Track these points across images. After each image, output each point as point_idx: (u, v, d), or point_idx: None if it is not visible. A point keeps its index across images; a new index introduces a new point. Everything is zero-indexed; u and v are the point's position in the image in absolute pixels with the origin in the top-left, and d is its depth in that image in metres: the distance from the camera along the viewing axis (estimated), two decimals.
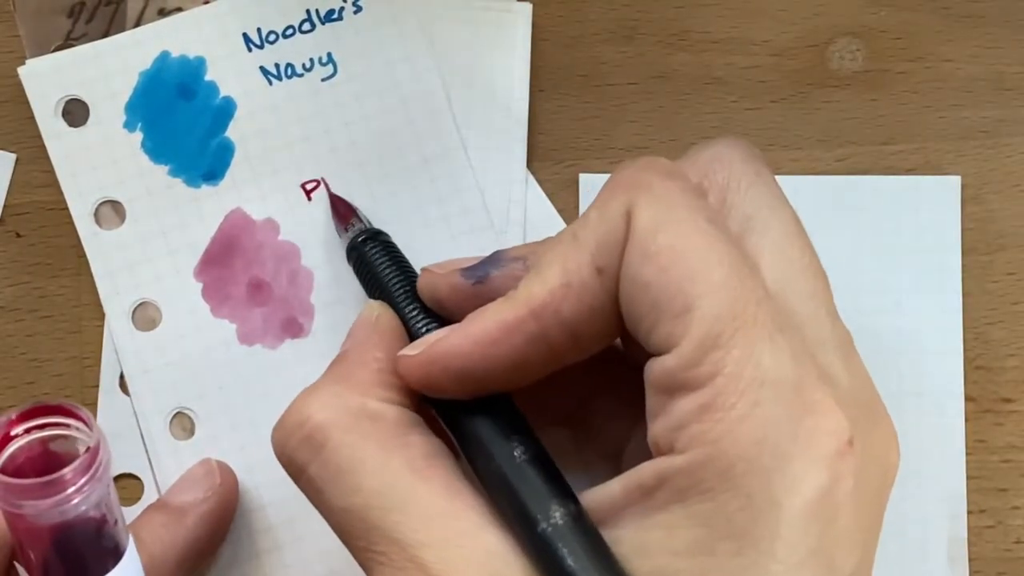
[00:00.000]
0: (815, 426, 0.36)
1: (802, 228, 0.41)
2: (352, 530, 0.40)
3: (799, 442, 0.36)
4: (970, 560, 0.53)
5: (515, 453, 0.40)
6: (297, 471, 0.42)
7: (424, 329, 0.45)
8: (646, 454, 0.39)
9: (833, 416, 0.37)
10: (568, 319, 0.39)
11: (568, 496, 0.39)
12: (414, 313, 0.45)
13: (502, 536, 0.39)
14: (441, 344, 0.41)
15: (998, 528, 0.54)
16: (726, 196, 0.41)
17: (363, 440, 0.41)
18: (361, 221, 0.52)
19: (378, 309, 0.46)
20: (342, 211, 0.52)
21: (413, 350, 0.42)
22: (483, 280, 0.43)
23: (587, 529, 0.38)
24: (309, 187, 0.54)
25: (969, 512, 0.54)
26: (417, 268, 0.47)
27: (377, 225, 0.52)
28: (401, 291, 0.46)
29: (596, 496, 0.39)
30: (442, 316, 0.45)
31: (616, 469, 0.43)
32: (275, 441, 0.42)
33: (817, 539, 0.36)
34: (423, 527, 0.39)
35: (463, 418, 0.41)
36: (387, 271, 0.48)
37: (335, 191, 0.53)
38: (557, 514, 0.38)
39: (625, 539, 0.38)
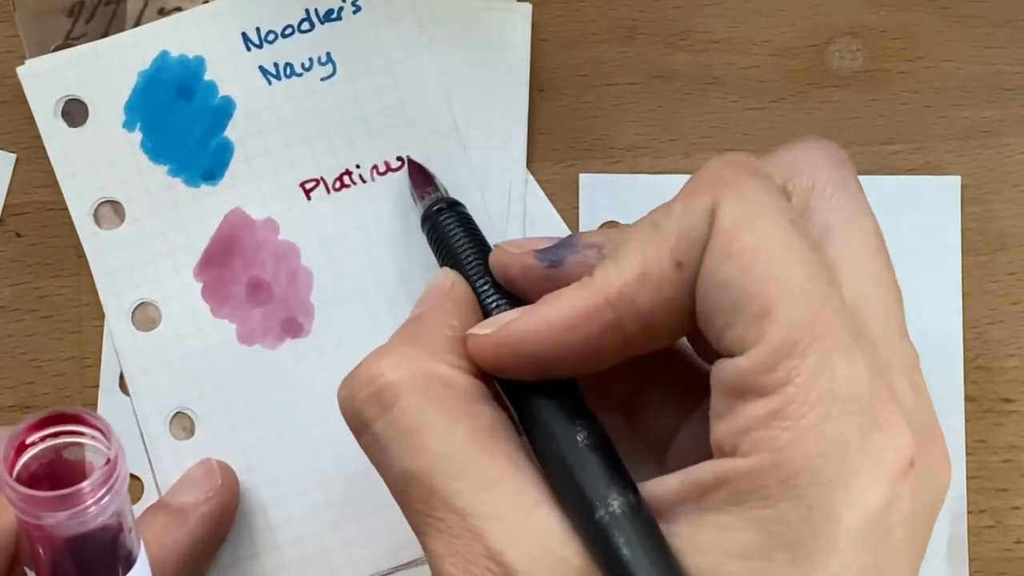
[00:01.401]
0: (882, 443, 0.36)
1: (883, 242, 0.41)
2: (412, 492, 0.40)
3: (865, 458, 0.36)
4: (970, 560, 0.53)
5: (578, 438, 0.40)
6: (361, 426, 0.41)
7: (494, 305, 0.45)
8: (694, 448, 0.39)
9: (900, 435, 0.36)
10: (643, 310, 0.39)
11: (628, 486, 0.39)
12: (485, 287, 0.45)
13: (560, 515, 0.39)
14: (514, 326, 0.41)
15: (998, 528, 0.54)
16: (809, 201, 0.40)
17: (432, 403, 0.40)
18: (439, 190, 0.51)
19: (453, 276, 0.46)
20: (420, 179, 0.52)
21: (485, 329, 0.42)
22: (557, 264, 0.43)
23: (645, 520, 0.38)
24: (308, 187, 0.54)
25: (969, 512, 0.54)
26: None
27: (376, 225, 0.52)
28: (474, 263, 0.46)
29: (652, 489, 0.39)
30: (513, 294, 0.45)
31: (661, 459, 0.43)
32: (342, 395, 0.42)
33: (872, 556, 0.36)
34: (484, 497, 0.39)
35: (529, 399, 0.41)
36: (460, 242, 0.48)
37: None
38: (616, 503, 0.38)
39: (678, 535, 0.38)
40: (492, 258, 0.45)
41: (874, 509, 0.36)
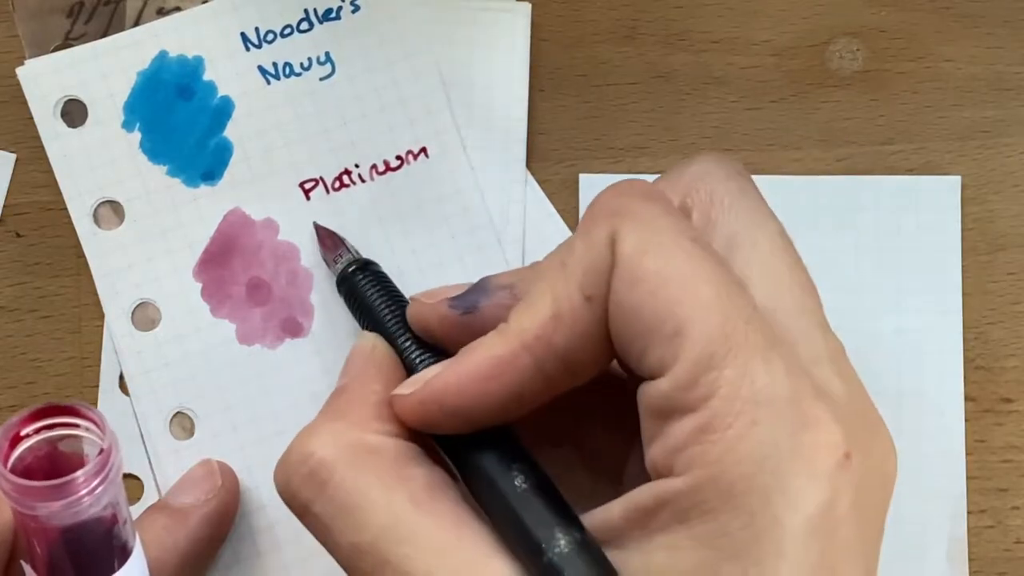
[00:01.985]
0: (812, 441, 0.36)
1: (789, 242, 0.41)
2: (362, 566, 0.40)
3: (797, 458, 0.36)
4: (970, 560, 0.53)
5: (516, 482, 0.40)
6: (302, 508, 0.41)
7: (419, 360, 0.45)
8: (646, 473, 0.39)
9: (830, 430, 0.36)
10: (561, 349, 0.39)
11: (572, 522, 0.39)
12: (407, 344, 0.45)
13: (510, 564, 0.39)
14: (435, 382, 0.41)
15: (998, 528, 0.54)
16: (710, 213, 0.41)
17: (366, 475, 0.40)
18: (350, 251, 0.52)
19: (372, 340, 0.46)
20: (329, 242, 0.52)
21: (407, 389, 0.42)
22: (472, 310, 0.43)
23: (594, 555, 0.38)
24: (308, 187, 0.54)
25: (969, 512, 0.54)
26: (407, 293, 0.47)
27: (376, 225, 0.52)
28: (394, 321, 0.46)
29: (597, 519, 0.39)
30: (435, 347, 0.45)
31: (618, 486, 0.43)
32: (278, 479, 0.42)
33: (820, 555, 0.36)
34: (432, 559, 0.39)
35: (462, 450, 0.41)
36: (378, 302, 0.48)
37: (320, 223, 0.53)
38: (562, 541, 0.38)
39: (629, 561, 0.38)
40: (409, 312, 0.46)
41: (815, 507, 0.36)
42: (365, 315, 0.48)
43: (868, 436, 0.38)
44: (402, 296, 0.48)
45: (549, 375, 0.40)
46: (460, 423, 0.41)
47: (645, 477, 0.38)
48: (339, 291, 0.51)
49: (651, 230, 0.38)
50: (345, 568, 0.41)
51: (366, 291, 0.49)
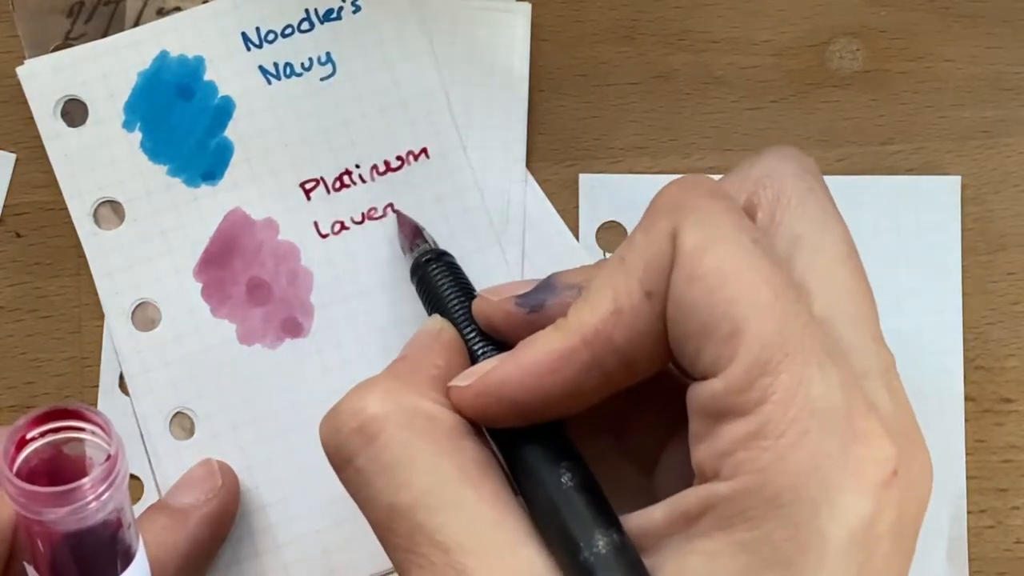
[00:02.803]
0: (863, 456, 0.36)
1: (853, 248, 0.40)
2: (395, 528, 0.39)
3: (847, 473, 0.36)
4: (970, 560, 0.53)
5: (562, 479, 0.40)
6: (343, 461, 0.41)
7: (481, 352, 0.45)
8: (681, 467, 0.38)
9: (881, 446, 0.36)
10: (620, 345, 0.39)
11: (613, 525, 0.38)
12: (472, 335, 0.45)
13: (544, 554, 0.39)
14: (492, 375, 0.40)
15: (998, 528, 0.54)
16: (775, 213, 0.40)
17: (417, 438, 0.40)
18: (427, 241, 0.52)
19: (441, 323, 0.46)
20: (408, 231, 0.52)
21: (464, 380, 0.41)
22: (538, 308, 0.43)
23: (630, 559, 0.38)
24: (308, 187, 0.54)
25: (969, 512, 0.54)
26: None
27: (377, 223, 0.52)
28: (460, 312, 0.46)
29: (637, 521, 0.38)
30: (498, 340, 0.45)
31: (648, 477, 0.43)
32: (324, 429, 0.42)
33: (859, 569, 0.36)
34: (468, 533, 0.38)
35: (513, 440, 0.41)
36: (448, 291, 0.48)
37: (402, 211, 0.54)
38: (600, 543, 0.38)
39: (665, 566, 0.37)
40: (475, 306, 0.45)
41: (859, 522, 0.36)
42: (434, 303, 0.48)
43: (912, 453, 0.38)
44: (472, 288, 0.48)
45: (607, 371, 0.39)
46: (515, 416, 0.40)
47: (679, 471, 0.39)
48: (412, 278, 0.50)
49: (713, 227, 0.38)
50: (376, 528, 0.40)
51: (437, 280, 0.49)
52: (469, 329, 0.45)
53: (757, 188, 0.41)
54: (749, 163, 0.42)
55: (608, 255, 0.55)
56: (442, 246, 0.53)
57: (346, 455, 0.41)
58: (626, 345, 0.39)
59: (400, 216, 0.53)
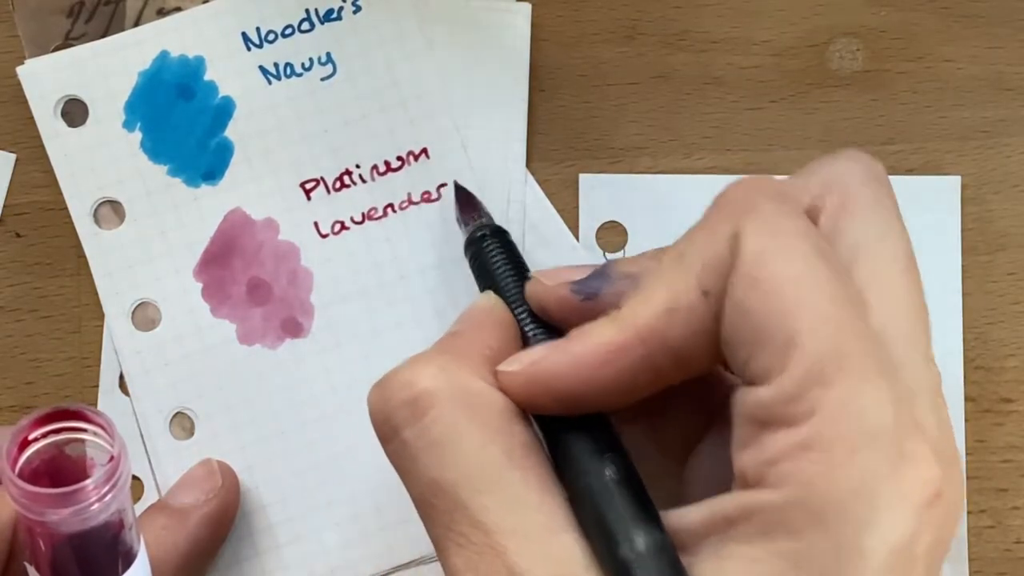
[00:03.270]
0: (911, 476, 0.36)
1: (913, 262, 0.40)
2: (436, 504, 0.39)
3: (894, 493, 0.35)
4: (970, 560, 0.53)
5: (606, 472, 0.39)
6: (391, 432, 0.40)
7: (532, 334, 0.44)
8: (715, 462, 0.38)
9: (928, 467, 0.36)
10: (673, 343, 0.39)
11: (654, 522, 0.38)
12: (523, 315, 0.45)
13: (581, 544, 0.38)
14: (543, 364, 0.40)
15: (998, 528, 0.54)
16: (839, 220, 0.40)
17: (466, 416, 0.40)
18: (483, 216, 0.51)
19: (494, 300, 0.46)
20: (467, 205, 0.52)
21: (514, 365, 0.41)
22: (592, 296, 0.43)
23: (669, 558, 0.38)
24: (308, 187, 0.54)
25: (969, 512, 0.54)
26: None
27: (376, 223, 0.52)
28: (514, 290, 0.46)
29: (677, 520, 0.38)
30: (550, 324, 0.44)
31: (680, 466, 0.43)
32: (374, 398, 0.41)
33: None
34: (510, 515, 0.38)
35: (559, 431, 0.41)
36: (502, 269, 0.47)
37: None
38: (640, 540, 0.38)
39: (702, 568, 0.37)
40: (528, 289, 0.45)
41: (900, 543, 0.35)
42: (487, 279, 0.48)
43: (953, 476, 0.37)
44: (526, 267, 0.48)
45: (659, 367, 0.39)
46: (563, 406, 0.40)
47: (712, 466, 0.39)
48: (466, 253, 0.50)
49: (775, 232, 0.37)
50: (417, 503, 0.40)
51: (492, 256, 0.48)
52: (521, 310, 0.45)
53: (823, 192, 0.40)
54: (818, 164, 0.41)
55: (607, 256, 0.55)
56: (442, 247, 0.53)
57: (394, 426, 0.40)
58: (679, 343, 0.39)
59: (458, 188, 0.53)
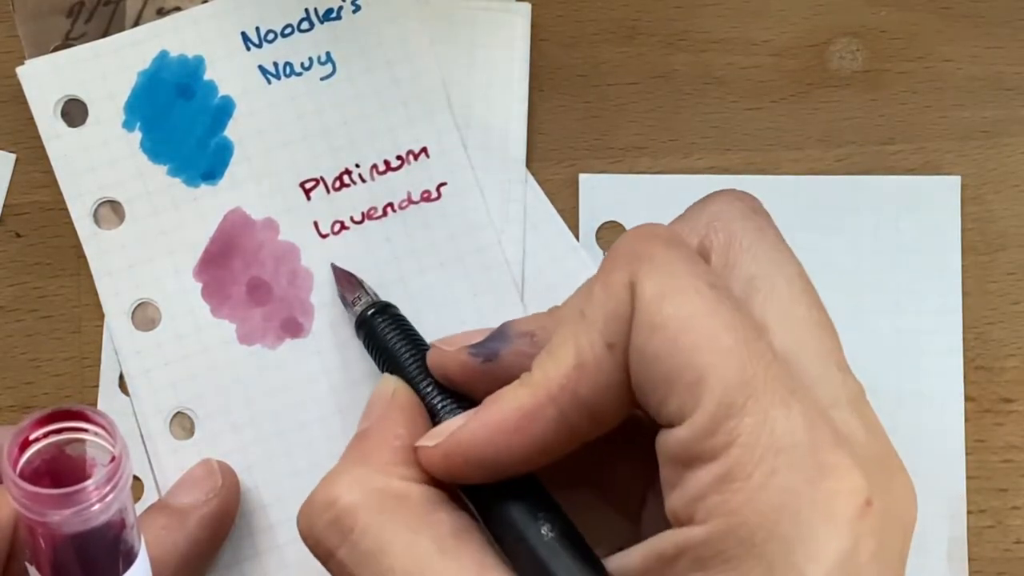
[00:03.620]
0: (833, 489, 0.36)
1: (808, 283, 0.41)
2: None
3: (818, 507, 0.36)
4: (970, 560, 0.53)
5: (543, 531, 0.40)
6: (326, 554, 0.41)
7: (440, 406, 0.45)
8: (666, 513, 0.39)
9: (850, 477, 0.36)
10: (585, 399, 0.39)
11: (598, 570, 0.39)
12: (429, 389, 0.46)
13: None
14: (460, 435, 0.41)
15: (998, 528, 0.54)
16: (728, 255, 0.41)
17: (391, 521, 0.40)
18: (368, 294, 0.51)
19: (393, 383, 0.46)
20: (347, 284, 0.52)
21: (431, 440, 0.42)
22: (492, 358, 0.43)
23: None
24: (308, 186, 0.54)
25: (969, 512, 0.54)
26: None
27: (376, 223, 0.52)
28: (415, 366, 0.47)
29: (616, 564, 0.39)
30: (457, 392, 0.45)
31: (636, 524, 0.43)
32: (302, 524, 0.42)
33: None
34: None
35: (488, 498, 0.41)
36: (399, 345, 0.48)
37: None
38: None
39: None
40: (429, 358, 0.46)
41: (837, 556, 0.36)
42: (385, 359, 0.48)
43: (888, 481, 0.38)
44: (422, 340, 0.48)
45: (574, 424, 0.40)
46: (486, 474, 0.41)
47: (663, 516, 0.38)
48: (358, 334, 0.51)
49: (670, 275, 0.38)
50: None
51: (385, 334, 0.49)
52: (425, 383, 0.46)
53: (708, 232, 0.41)
54: (698, 207, 0.42)
55: (605, 254, 0.55)
56: (443, 246, 0.53)
57: (326, 549, 0.41)
58: (591, 398, 0.39)
59: (337, 270, 0.53)
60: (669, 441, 0.37)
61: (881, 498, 0.37)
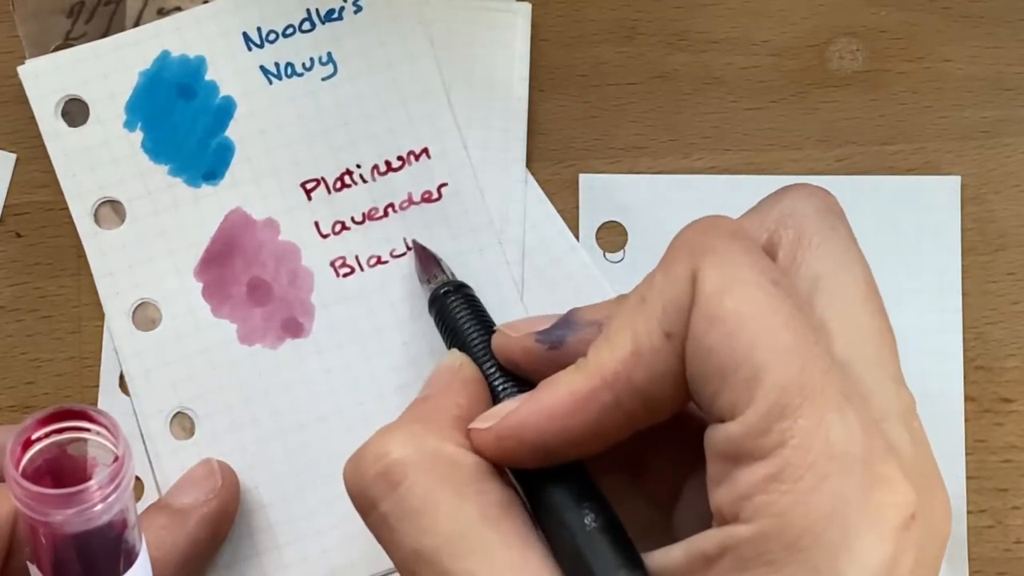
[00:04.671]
0: (882, 500, 0.36)
1: (875, 288, 0.40)
2: (419, 572, 0.39)
3: (866, 517, 0.36)
4: (970, 560, 0.53)
5: (585, 520, 0.39)
6: (368, 506, 0.41)
7: (501, 388, 0.45)
8: (701, 505, 0.38)
9: (900, 489, 0.36)
10: (640, 386, 0.39)
11: (637, 565, 0.38)
12: (492, 370, 0.45)
13: None
14: (513, 417, 0.40)
15: (998, 528, 0.54)
16: (796, 253, 0.40)
17: (440, 482, 0.40)
18: (444, 272, 0.51)
19: (460, 358, 0.46)
20: (426, 262, 0.52)
21: (485, 422, 0.41)
22: (558, 346, 0.43)
23: None
24: (309, 187, 0.54)
25: (969, 512, 0.54)
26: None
27: (377, 224, 0.52)
28: (480, 346, 0.46)
29: (658, 560, 0.38)
30: (518, 375, 0.45)
31: (668, 514, 0.43)
32: (348, 473, 0.42)
33: None
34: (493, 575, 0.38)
35: (536, 483, 0.41)
36: (467, 325, 0.48)
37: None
38: None
39: None
40: (494, 343, 0.45)
41: (878, 567, 0.35)
42: (453, 336, 0.48)
43: (930, 496, 0.38)
44: (491, 321, 0.48)
45: (628, 412, 0.39)
46: (536, 458, 0.40)
47: (698, 509, 0.38)
48: (430, 310, 0.50)
49: (733, 269, 0.38)
50: (402, 572, 0.40)
51: (456, 313, 0.49)
52: (489, 364, 0.45)
53: (778, 227, 0.41)
54: (770, 201, 0.42)
55: (608, 255, 0.55)
56: (444, 246, 0.53)
57: (371, 500, 0.41)
58: (646, 386, 0.39)
59: (418, 247, 0.53)
60: (719, 436, 0.37)
61: (923, 512, 0.36)
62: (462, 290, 0.50)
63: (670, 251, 0.39)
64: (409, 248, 0.54)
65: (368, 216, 0.54)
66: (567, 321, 0.43)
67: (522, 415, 0.40)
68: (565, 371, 0.40)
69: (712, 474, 0.38)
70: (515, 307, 0.53)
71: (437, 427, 0.42)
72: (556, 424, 0.40)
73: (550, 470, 0.41)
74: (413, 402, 0.44)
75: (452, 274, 0.52)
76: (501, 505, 0.40)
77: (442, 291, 0.50)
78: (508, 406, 0.41)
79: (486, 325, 0.48)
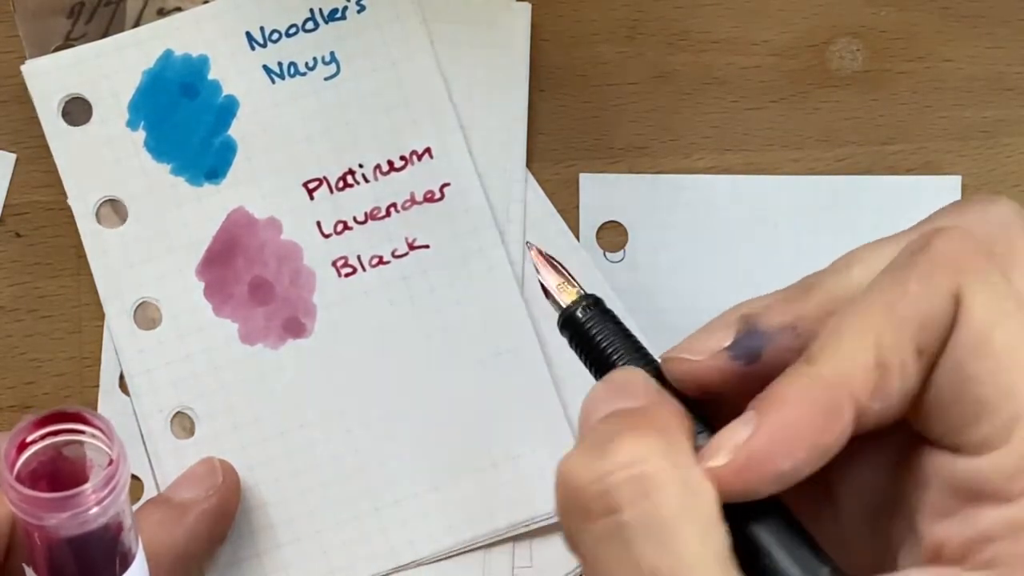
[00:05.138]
0: None
1: None
2: None
3: None
4: None
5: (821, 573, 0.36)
6: (607, 508, 0.36)
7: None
8: (863, 496, 0.37)
9: None
10: (875, 402, 0.36)
11: None
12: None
13: None
14: (754, 446, 0.36)
15: None
16: (1010, 272, 0.37)
17: (689, 507, 0.35)
18: (574, 285, 0.44)
19: (643, 374, 0.40)
20: (550, 272, 0.44)
21: (719, 460, 0.36)
22: (755, 359, 0.38)
23: None
24: (311, 186, 0.54)
25: None
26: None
27: (379, 223, 0.52)
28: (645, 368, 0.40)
29: None
30: (686, 395, 0.40)
31: (813, 524, 0.39)
32: (580, 469, 0.36)
33: None
34: None
35: (759, 523, 0.37)
36: (618, 349, 0.41)
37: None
38: None
39: None
40: (675, 371, 0.39)
41: None
42: (600, 362, 0.42)
43: None
44: (635, 337, 0.42)
45: (864, 428, 0.36)
46: (773, 487, 0.36)
47: (866, 494, 0.37)
48: (562, 330, 0.43)
49: (1001, 299, 0.36)
50: None
51: (606, 336, 0.42)
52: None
53: (992, 242, 0.38)
54: (978, 212, 0.39)
55: (608, 255, 0.55)
56: (444, 246, 0.53)
57: (612, 504, 0.35)
58: (875, 401, 0.36)
59: (540, 254, 0.45)
60: (956, 468, 0.35)
61: None
62: (599, 305, 0.43)
63: (925, 264, 0.36)
64: (410, 248, 0.54)
65: (370, 216, 0.54)
66: (754, 332, 0.39)
67: (763, 446, 0.36)
68: (787, 386, 0.36)
69: (935, 504, 0.36)
70: (517, 307, 0.53)
71: (682, 446, 0.37)
72: (805, 445, 0.36)
73: (755, 508, 0.37)
74: (631, 411, 0.38)
75: (580, 286, 0.44)
76: (728, 548, 0.36)
77: (576, 311, 0.42)
78: (736, 435, 0.36)
79: (636, 345, 0.42)
